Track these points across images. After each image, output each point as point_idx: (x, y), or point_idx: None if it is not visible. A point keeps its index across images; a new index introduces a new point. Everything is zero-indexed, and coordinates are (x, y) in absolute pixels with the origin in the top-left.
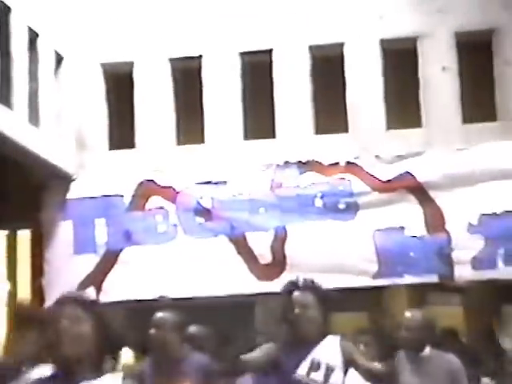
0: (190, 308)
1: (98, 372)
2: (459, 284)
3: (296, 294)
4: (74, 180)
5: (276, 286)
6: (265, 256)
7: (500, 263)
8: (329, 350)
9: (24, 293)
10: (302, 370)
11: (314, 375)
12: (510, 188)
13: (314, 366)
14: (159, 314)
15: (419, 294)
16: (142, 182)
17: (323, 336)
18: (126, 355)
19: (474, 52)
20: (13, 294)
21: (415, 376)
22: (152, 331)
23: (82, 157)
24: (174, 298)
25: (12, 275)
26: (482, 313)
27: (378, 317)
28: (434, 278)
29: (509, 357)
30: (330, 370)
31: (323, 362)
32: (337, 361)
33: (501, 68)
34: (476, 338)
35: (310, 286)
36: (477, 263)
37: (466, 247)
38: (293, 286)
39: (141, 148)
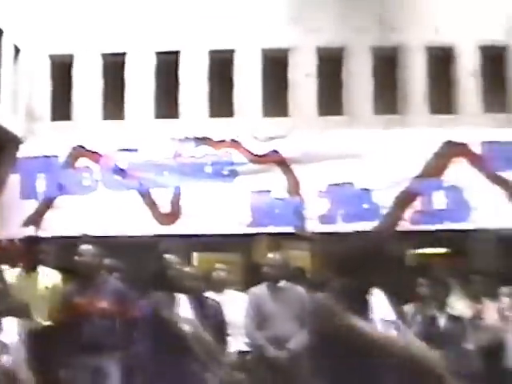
0: (106, 244)
1: None
2: (309, 234)
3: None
4: (23, 143)
5: (172, 229)
6: (165, 207)
7: (339, 220)
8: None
9: None
10: None
11: None
12: (350, 165)
13: None
14: (83, 246)
15: (278, 241)
16: (74, 147)
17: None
18: (57, 278)
19: (330, 63)
20: None
21: (273, 301)
22: (76, 258)
23: (31, 125)
24: (95, 236)
25: None
26: (324, 256)
27: (249, 256)
28: (291, 229)
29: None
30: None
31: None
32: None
33: (347, 76)
34: (319, 274)
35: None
36: (323, 219)
37: (315, 207)
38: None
39: (75, 120)
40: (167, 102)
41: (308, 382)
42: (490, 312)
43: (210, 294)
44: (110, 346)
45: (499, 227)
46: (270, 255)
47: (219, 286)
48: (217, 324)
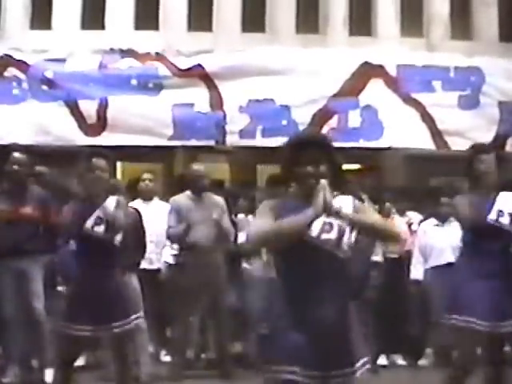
0: (35, 152)
1: None
2: (228, 148)
3: (94, 159)
4: None
5: (98, 140)
6: (91, 118)
7: (258, 135)
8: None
9: None
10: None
11: (97, 228)
12: (271, 82)
13: (98, 221)
14: (14, 154)
15: (197, 153)
16: (2, 56)
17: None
18: None
19: None
20: None
21: (194, 210)
22: (11, 166)
23: None
24: (23, 144)
25: None
26: (243, 169)
27: (171, 167)
28: (211, 143)
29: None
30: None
31: (104, 217)
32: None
33: None
34: (236, 185)
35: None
36: (243, 134)
37: (236, 122)
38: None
39: (3, 30)
40: (94, 13)
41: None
42: (399, 226)
43: (137, 203)
44: (33, 250)
45: (410, 147)
46: (195, 166)
47: (147, 196)
48: (136, 231)
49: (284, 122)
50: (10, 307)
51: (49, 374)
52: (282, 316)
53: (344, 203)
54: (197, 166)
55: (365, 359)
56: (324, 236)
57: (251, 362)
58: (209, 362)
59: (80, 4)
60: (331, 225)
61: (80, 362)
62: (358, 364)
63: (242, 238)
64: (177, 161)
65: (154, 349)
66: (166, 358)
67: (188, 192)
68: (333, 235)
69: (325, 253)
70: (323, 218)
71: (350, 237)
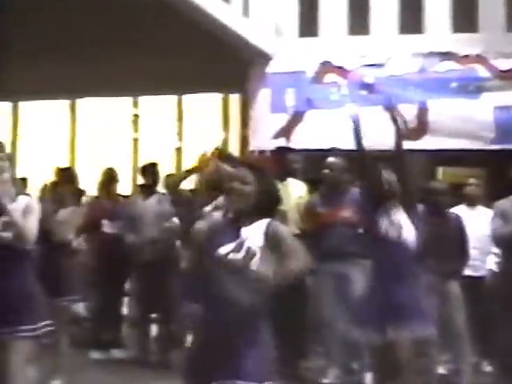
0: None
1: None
2: None
3: None
4: (272, 59)
5: (419, 144)
6: (412, 122)
7: None
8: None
9: (234, 139)
10: None
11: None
12: None
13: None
14: (331, 159)
15: None
16: (322, 63)
17: None
18: (302, 189)
19: None
20: (226, 140)
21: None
22: (326, 171)
23: (279, 42)
24: (342, 149)
25: (226, 127)
26: None
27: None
28: None
29: None
30: None
31: None
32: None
33: None
34: None
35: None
36: None
37: None
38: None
39: (321, 36)
40: (412, 17)
41: None
42: None
43: (460, 209)
44: (354, 253)
45: None
46: None
47: (471, 201)
48: (457, 237)
49: None
50: (331, 310)
51: (368, 378)
52: None
53: None
54: None
55: None
56: None
57: None
58: None
59: (397, 8)
60: None
61: None
62: None
63: None
64: (497, 165)
65: (477, 358)
66: (489, 369)
67: None
68: None
69: None
70: None
71: None
